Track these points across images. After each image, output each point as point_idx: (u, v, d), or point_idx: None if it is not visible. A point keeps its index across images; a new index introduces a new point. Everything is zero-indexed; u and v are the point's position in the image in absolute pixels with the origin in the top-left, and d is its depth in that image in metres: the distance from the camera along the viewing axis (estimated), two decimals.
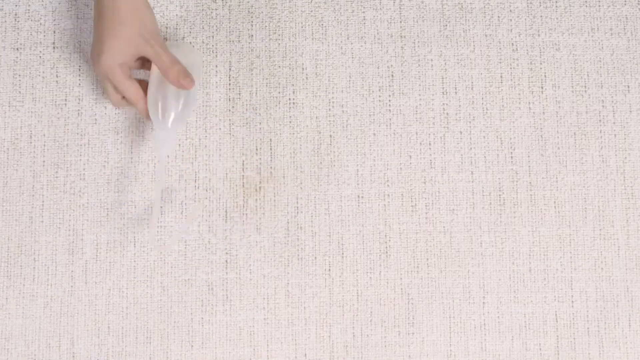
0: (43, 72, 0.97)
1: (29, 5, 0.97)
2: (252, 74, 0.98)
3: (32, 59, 0.97)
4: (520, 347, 0.96)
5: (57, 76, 0.97)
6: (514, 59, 0.99)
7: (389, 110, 0.98)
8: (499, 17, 0.99)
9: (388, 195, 0.97)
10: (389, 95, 0.98)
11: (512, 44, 0.99)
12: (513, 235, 0.97)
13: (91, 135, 0.96)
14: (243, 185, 0.97)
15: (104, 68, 0.90)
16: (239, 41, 0.98)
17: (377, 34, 0.99)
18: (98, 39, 0.90)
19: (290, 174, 0.97)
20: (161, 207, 0.95)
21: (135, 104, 0.92)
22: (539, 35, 0.99)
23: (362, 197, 0.97)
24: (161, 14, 0.98)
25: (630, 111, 0.99)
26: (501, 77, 0.99)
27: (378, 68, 0.99)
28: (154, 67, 0.91)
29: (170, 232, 0.95)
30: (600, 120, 0.99)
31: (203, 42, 0.98)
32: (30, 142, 0.96)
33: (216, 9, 0.98)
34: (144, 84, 0.93)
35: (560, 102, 0.99)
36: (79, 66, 0.97)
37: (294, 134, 0.98)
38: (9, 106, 0.96)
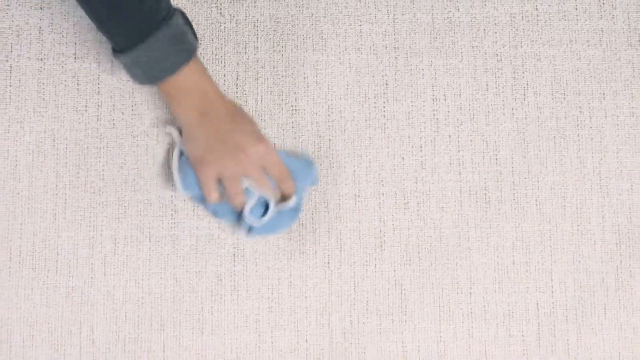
0: (65, 80, 0.98)
1: (52, 19, 0.98)
2: (257, 82, 0.99)
3: (55, 68, 0.98)
4: (505, 334, 0.97)
5: (78, 84, 0.98)
6: (498, 68, 1.00)
7: (384, 115, 0.99)
8: (484, 30, 1.00)
9: (383, 194, 0.98)
10: (384, 102, 1.00)
11: (497, 54, 1.00)
12: (497, 230, 0.98)
13: (109, 139, 0.98)
14: None
15: (265, 150, 0.90)
16: (245, 52, 0.99)
17: (373, 45, 1.00)
18: (241, 128, 0.90)
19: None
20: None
21: (240, 201, 0.92)
22: (521, 46, 1.00)
23: (359, 195, 0.99)
24: None
25: (606, 116, 0.99)
26: (487, 85, 1.00)
27: (373, 77, 1.00)
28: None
29: (183, 229, 0.97)
30: (578, 125, 0.99)
31: (212, 53, 0.99)
32: (54, 145, 0.97)
33: (224, 23, 0.99)
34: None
35: (541, 108, 1.00)
36: (98, 75, 0.98)
37: (296, 138, 0.99)
38: (34, 112, 0.98)
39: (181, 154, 0.95)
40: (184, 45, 0.88)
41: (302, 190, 0.95)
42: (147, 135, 0.98)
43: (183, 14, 0.89)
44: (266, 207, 0.94)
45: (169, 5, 0.87)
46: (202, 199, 0.94)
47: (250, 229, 0.94)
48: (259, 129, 0.93)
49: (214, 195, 0.92)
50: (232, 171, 0.91)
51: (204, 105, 0.90)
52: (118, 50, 0.88)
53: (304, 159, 0.96)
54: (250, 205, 0.92)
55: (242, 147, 0.90)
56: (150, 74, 0.88)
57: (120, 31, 0.86)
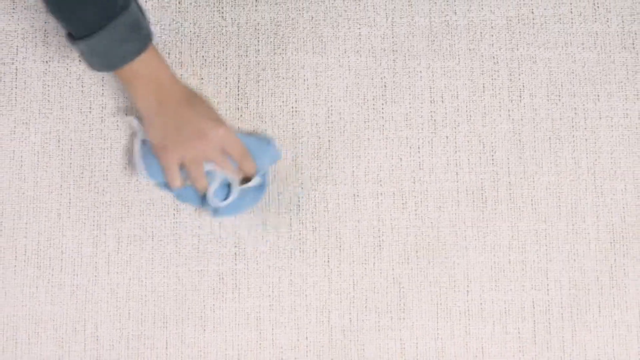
0: (70, 82, 0.99)
1: (57, 22, 0.95)
2: (258, 85, 0.99)
3: (60, 70, 0.99)
4: (501, 331, 0.97)
5: (82, 86, 0.99)
6: (495, 70, 1.00)
7: (382, 117, 1.00)
8: (481, 33, 1.01)
9: (381, 194, 0.99)
10: (382, 104, 1.00)
11: (493, 57, 1.00)
12: (494, 229, 0.98)
13: (113, 140, 0.98)
14: None
15: (225, 133, 0.90)
16: (246, 55, 1.00)
17: (372, 48, 1.00)
18: (199, 113, 0.90)
19: (292, 175, 0.99)
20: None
21: (202, 185, 0.92)
22: (517, 49, 1.00)
23: (358, 195, 0.99)
24: (176, 31, 0.99)
25: (600, 118, 1.00)
26: (483, 87, 1.00)
27: (372, 79, 1.00)
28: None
29: (185, 228, 0.98)
30: (572, 126, 1.00)
31: (214, 56, 0.99)
32: (59, 146, 0.98)
33: (226, 27, 1.00)
34: None
35: (537, 110, 1.00)
36: (102, 77, 0.98)
37: (296, 139, 0.99)
38: (39, 113, 0.98)
39: (144, 141, 0.95)
40: (141, 32, 0.88)
41: (264, 168, 0.96)
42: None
43: (137, 2, 0.89)
44: (229, 189, 0.94)
45: None
46: (166, 185, 0.95)
47: (215, 211, 0.95)
48: (217, 113, 0.93)
49: (177, 181, 0.92)
50: (194, 156, 0.91)
51: (161, 91, 0.90)
52: (75, 37, 0.87)
53: (263, 138, 0.97)
54: (213, 188, 0.93)
55: (202, 132, 0.90)
56: (108, 61, 0.87)
57: (78, 18, 0.85)
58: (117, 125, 0.99)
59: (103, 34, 0.85)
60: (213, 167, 0.92)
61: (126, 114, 0.98)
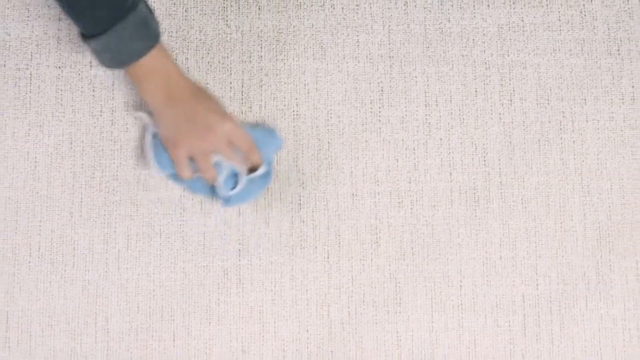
0: (82, 87, 0.99)
1: (70, 29, 0.99)
2: (261, 89, 1.00)
3: (72, 76, 0.99)
4: (492, 324, 0.98)
5: (93, 91, 0.99)
6: (486, 76, 1.00)
7: (379, 120, 1.00)
8: (473, 40, 1.01)
9: (378, 193, 0.99)
10: (379, 107, 1.00)
11: (485, 63, 1.00)
12: (486, 227, 0.99)
13: (123, 142, 0.99)
14: None
15: (232, 127, 0.91)
16: (250, 61, 1.00)
17: (369, 54, 1.00)
18: (207, 107, 0.91)
19: (293, 175, 0.99)
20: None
21: (211, 176, 0.93)
22: (508, 55, 1.00)
23: (356, 195, 0.99)
24: (183, 38, 1.00)
25: (587, 121, 1.00)
26: (476, 91, 1.00)
27: (370, 84, 1.00)
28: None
29: (191, 226, 0.98)
30: (561, 129, 1.00)
31: (219, 62, 1.00)
32: (71, 148, 0.98)
33: (230, 34, 1.00)
34: None
35: (527, 113, 1.00)
36: (113, 82, 0.99)
37: (297, 141, 0.99)
38: (52, 116, 0.99)
39: (155, 135, 0.96)
40: (149, 30, 0.89)
41: (268, 157, 0.97)
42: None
43: (145, 2, 0.90)
44: (237, 178, 0.96)
45: None
46: (176, 177, 0.96)
47: (226, 200, 0.96)
48: (223, 107, 0.94)
49: (186, 173, 0.94)
50: (202, 149, 0.92)
51: (170, 86, 0.91)
52: (88, 36, 0.89)
53: (267, 129, 0.98)
54: (222, 179, 0.94)
55: (210, 126, 0.92)
56: (118, 58, 0.89)
57: (91, 17, 0.87)
58: (127, 127, 0.99)
59: (112, 33, 0.87)
60: (221, 158, 0.94)
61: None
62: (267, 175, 0.97)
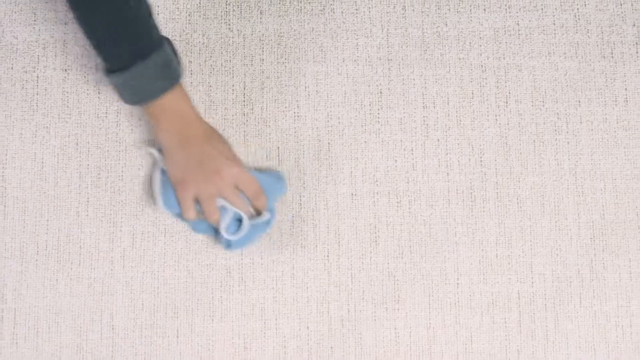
0: (87, 90, 0.99)
1: (76, 33, 0.99)
2: (263, 92, 1.00)
3: (78, 78, 0.99)
4: (489, 321, 0.98)
5: (99, 93, 0.99)
6: (483, 78, 1.01)
7: (378, 121, 1.00)
8: (470, 43, 1.01)
9: (377, 193, 0.99)
10: (378, 109, 1.00)
11: (482, 65, 1.01)
12: (482, 226, 0.99)
13: (128, 143, 0.99)
14: None
15: (239, 172, 0.91)
16: (252, 64, 1.00)
17: (368, 57, 1.00)
18: (217, 151, 0.91)
19: (294, 175, 0.99)
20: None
21: (215, 219, 0.93)
22: (504, 58, 1.01)
23: (355, 194, 0.99)
24: (186, 41, 1.00)
25: (581, 122, 1.00)
26: (472, 93, 1.00)
27: (369, 86, 1.00)
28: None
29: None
30: (555, 130, 1.00)
31: (222, 65, 1.00)
32: (77, 149, 0.99)
33: (232, 37, 1.00)
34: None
35: (522, 115, 1.00)
36: None
37: (298, 142, 1.00)
38: (59, 118, 0.99)
39: (163, 171, 0.96)
40: (170, 71, 0.90)
41: (273, 203, 0.96)
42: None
43: (170, 43, 0.92)
44: (241, 221, 0.95)
45: (159, 35, 0.90)
46: (182, 216, 0.96)
47: (228, 244, 0.96)
48: (233, 151, 0.95)
49: (191, 215, 0.94)
50: (209, 192, 0.92)
51: (184, 127, 0.92)
52: (111, 71, 0.89)
53: (274, 174, 0.98)
54: (225, 223, 0.94)
55: (218, 170, 0.92)
56: (137, 95, 0.90)
57: (116, 53, 0.88)
58: (132, 129, 0.99)
59: (134, 70, 0.87)
60: (226, 202, 0.93)
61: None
62: (269, 221, 0.97)
